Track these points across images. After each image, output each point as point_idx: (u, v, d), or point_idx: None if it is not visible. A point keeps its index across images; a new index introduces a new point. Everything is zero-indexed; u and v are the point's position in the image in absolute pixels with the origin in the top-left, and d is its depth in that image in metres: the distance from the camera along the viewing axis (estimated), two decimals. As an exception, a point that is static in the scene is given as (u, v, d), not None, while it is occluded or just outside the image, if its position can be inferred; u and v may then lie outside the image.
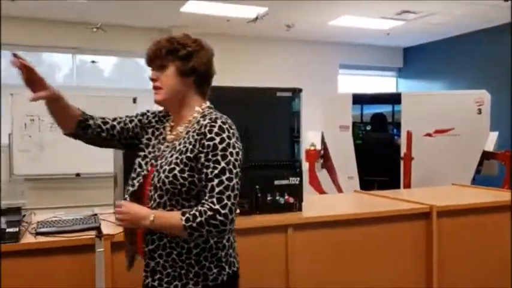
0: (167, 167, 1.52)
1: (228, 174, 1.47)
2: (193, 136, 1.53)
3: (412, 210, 2.81)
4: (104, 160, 6.01)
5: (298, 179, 2.56)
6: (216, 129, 1.50)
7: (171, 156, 1.54)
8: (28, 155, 5.50)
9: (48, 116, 1.65)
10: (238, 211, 1.66)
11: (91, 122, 1.69)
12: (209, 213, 1.42)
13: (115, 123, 1.72)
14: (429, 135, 5.03)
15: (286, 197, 2.52)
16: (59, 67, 6.99)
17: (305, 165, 5.18)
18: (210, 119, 1.53)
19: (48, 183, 5.65)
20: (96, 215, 2.32)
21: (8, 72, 6.70)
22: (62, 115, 1.65)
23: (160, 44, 1.58)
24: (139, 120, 1.73)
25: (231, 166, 1.48)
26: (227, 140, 1.50)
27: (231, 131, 1.53)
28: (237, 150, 1.52)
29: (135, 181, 1.63)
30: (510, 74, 6.73)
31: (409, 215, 2.79)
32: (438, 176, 4.75)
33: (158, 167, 1.55)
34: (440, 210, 2.79)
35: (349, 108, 5.34)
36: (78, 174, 6.00)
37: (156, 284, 1.56)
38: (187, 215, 1.44)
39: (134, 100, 6.52)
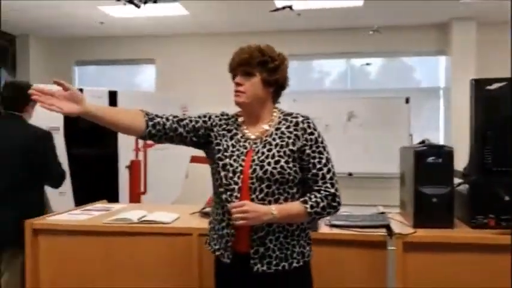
0: (271, 160, 1.67)
1: (331, 163, 1.72)
2: (290, 132, 1.72)
3: None
4: (376, 161, 6.19)
5: None
6: (312, 125, 1.73)
7: (269, 150, 1.69)
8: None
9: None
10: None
11: (159, 119, 1.75)
12: (330, 197, 1.67)
13: (187, 121, 1.80)
14: None
15: None
16: (328, 72, 7.39)
17: None
18: (302, 116, 1.75)
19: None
20: (383, 213, 2.31)
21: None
22: (123, 125, 1.70)
23: (253, 53, 1.72)
24: (204, 122, 1.81)
25: (330, 155, 1.72)
26: (321, 135, 1.74)
27: None
28: None
29: (235, 178, 1.69)
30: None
31: None
32: None
33: (257, 161, 1.68)
34: None
35: None
36: (350, 174, 6.27)
37: (265, 268, 1.67)
38: (310, 202, 1.65)
39: (407, 100, 6.36)
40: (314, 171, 1.69)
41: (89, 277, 2.33)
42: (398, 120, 6.23)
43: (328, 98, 6.85)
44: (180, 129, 1.78)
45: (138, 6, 3.98)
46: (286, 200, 1.68)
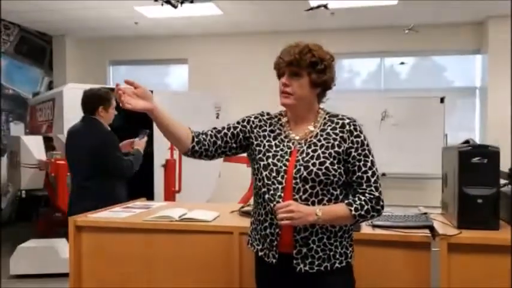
0: (316, 161, 1.65)
1: (375, 166, 1.70)
2: (336, 133, 1.70)
3: None
4: (408, 162, 6.08)
5: None
6: (358, 128, 1.71)
7: (314, 151, 1.68)
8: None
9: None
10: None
11: (202, 136, 1.79)
12: (374, 201, 1.65)
13: (225, 130, 1.81)
14: None
15: None
16: (362, 72, 7.30)
17: None
18: (348, 118, 1.73)
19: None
20: (426, 213, 2.28)
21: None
22: (175, 133, 1.73)
23: (303, 53, 1.67)
24: (243, 126, 1.82)
25: (374, 159, 1.70)
26: (367, 138, 1.72)
27: None
28: None
29: (278, 178, 1.68)
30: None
31: None
32: None
33: (301, 161, 1.67)
34: None
35: None
36: (383, 174, 6.19)
37: (307, 268, 1.67)
38: (354, 205, 1.63)
39: (442, 100, 6.25)
40: (359, 173, 1.67)
41: (130, 274, 2.36)
42: (432, 119, 6.13)
43: (362, 97, 6.79)
44: (218, 142, 1.80)
45: (175, 7, 4.05)
46: (329, 201, 1.67)
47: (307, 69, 1.68)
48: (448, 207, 2.27)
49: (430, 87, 6.80)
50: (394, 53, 6.87)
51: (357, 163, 1.67)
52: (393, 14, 6.05)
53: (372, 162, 1.69)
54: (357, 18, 6.28)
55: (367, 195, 1.66)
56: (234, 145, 1.82)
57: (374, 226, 2.11)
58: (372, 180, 1.67)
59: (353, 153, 1.68)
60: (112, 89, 4.68)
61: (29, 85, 7.19)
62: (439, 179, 2.40)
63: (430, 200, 5.83)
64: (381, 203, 1.67)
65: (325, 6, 4.50)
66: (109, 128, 3.25)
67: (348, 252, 1.73)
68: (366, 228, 2.11)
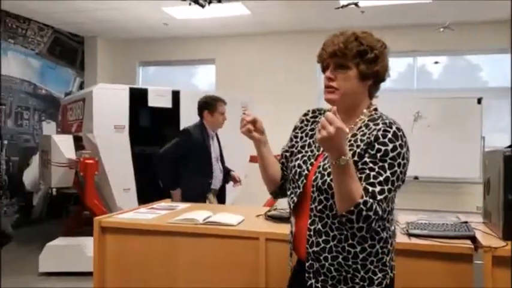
0: None
1: (390, 186, 1.35)
2: (362, 140, 1.41)
3: None
4: (442, 165, 5.85)
5: None
6: (390, 135, 1.38)
7: None
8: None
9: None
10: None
11: (285, 185, 1.67)
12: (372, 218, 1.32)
13: (284, 159, 1.70)
14: None
15: None
16: (393, 71, 7.05)
17: None
18: (384, 123, 1.41)
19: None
20: (466, 222, 2.13)
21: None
22: (271, 172, 1.66)
23: (349, 42, 1.45)
24: (291, 140, 1.67)
25: (394, 178, 1.36)
26: (399, 149, 1.37)
27: (404, 139, 1.40)
28: (405, 161, 1.39)
29: (298, 182, 1.52)
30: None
31: None
32: None
33: (321, 168, 1.45)
34: None
35: None
36: (416, 178, 5.98)
37: (319, 285, 1.48)
38: (366, 198, 1.31)
39: (479, 101, 5.99)
40: (363, 184, 1.34)
41: (152, 276, 2.32)
42: (468, 121, 5.88)
43: (393, 98, 6.52)
44: (285, 173, 1.69)
45: (202, 6, 3.99)
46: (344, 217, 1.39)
47: (355, 59, 1.44)
48: (491, 216, 2.11)
49: (464, 87, 6.53)
50: (427, 52, 6.63)
51: (367, 171, 1.35)
52: (426, 12, 5.83)
53: (387, 179, 1.34)
54: (388, 16, 6.08)
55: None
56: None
57: (410, 235, 1.98)
58: (378, 197, 1.32)
59: (366, 159, 1.37)
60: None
61: (61, 85, 7.30)
62: (475, 183, 2.25)
63: (464, 205, 5.61)
64: (371, 224, 1.33)
65: (355, 4, 4.35)
66: (210, 131, 3.71)
67: (376, 278, 1.45)
68: (401, 237, 1.98)
